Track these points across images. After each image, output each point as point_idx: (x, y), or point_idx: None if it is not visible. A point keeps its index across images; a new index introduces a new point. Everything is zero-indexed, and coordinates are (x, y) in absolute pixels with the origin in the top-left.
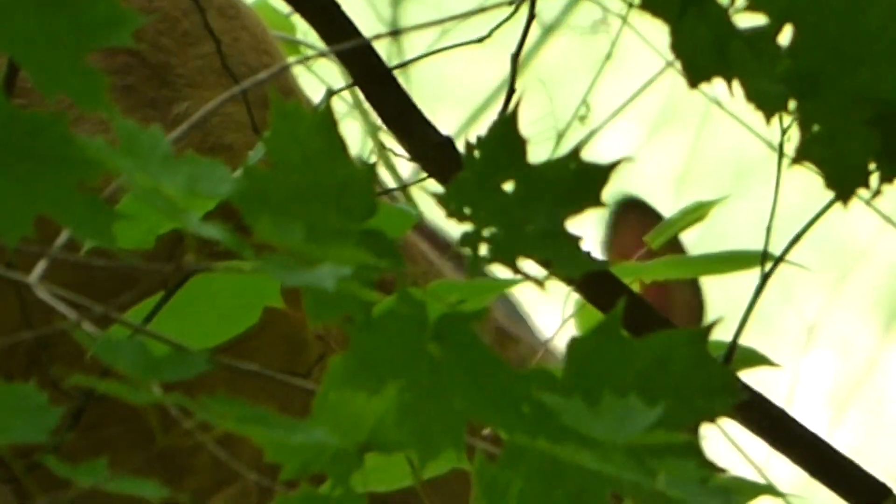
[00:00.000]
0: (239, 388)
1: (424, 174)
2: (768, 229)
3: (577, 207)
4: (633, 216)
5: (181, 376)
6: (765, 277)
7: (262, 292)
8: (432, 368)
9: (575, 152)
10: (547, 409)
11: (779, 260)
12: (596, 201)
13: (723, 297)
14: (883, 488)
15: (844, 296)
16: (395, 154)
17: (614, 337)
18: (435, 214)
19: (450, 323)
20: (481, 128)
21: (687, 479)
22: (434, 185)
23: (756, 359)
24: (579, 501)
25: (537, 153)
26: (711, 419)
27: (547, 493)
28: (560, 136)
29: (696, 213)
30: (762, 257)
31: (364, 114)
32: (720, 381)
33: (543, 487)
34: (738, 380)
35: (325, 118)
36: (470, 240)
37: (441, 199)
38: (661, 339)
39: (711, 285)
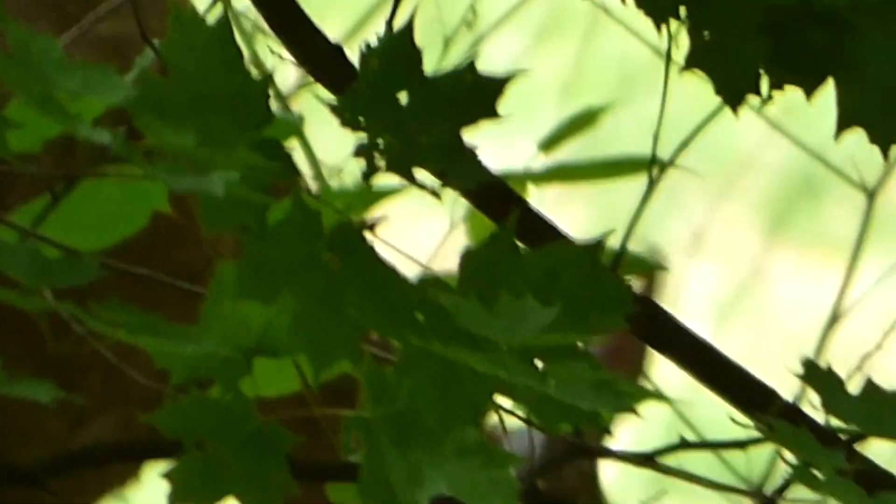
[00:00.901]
0: (133, 298)
1: (311, 80)
2: (655, 136)
3: (472, 119)
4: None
5: (74, 282)
6: (652, 184)
7: (149, 197)
8: (326, 278)
9: (470, 65)
10: (441, 315)
11: (666, 166)
12: (491, 113)
13: (610, 204)
14: (770, 393)
15: (731, 202)
16: (282, 58)
17: (507, 249)
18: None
19: (344, 232)
20: (369, 34)
21: (578, 383)
22: (323, 93)
23: (644, 264)
24: (469, 408)
25: (425, 59)
26: (605, 332)
27: (438, 400)
28: (447, 43)
29: (584, 120)
30: (649, 163)
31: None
32: (614, 293)
33: (435, 394)
34: (632, 292)
35: (222, 27)
36: (364, 150)
37: (335, 109)
38: (554, 252)
39: (599, 192)
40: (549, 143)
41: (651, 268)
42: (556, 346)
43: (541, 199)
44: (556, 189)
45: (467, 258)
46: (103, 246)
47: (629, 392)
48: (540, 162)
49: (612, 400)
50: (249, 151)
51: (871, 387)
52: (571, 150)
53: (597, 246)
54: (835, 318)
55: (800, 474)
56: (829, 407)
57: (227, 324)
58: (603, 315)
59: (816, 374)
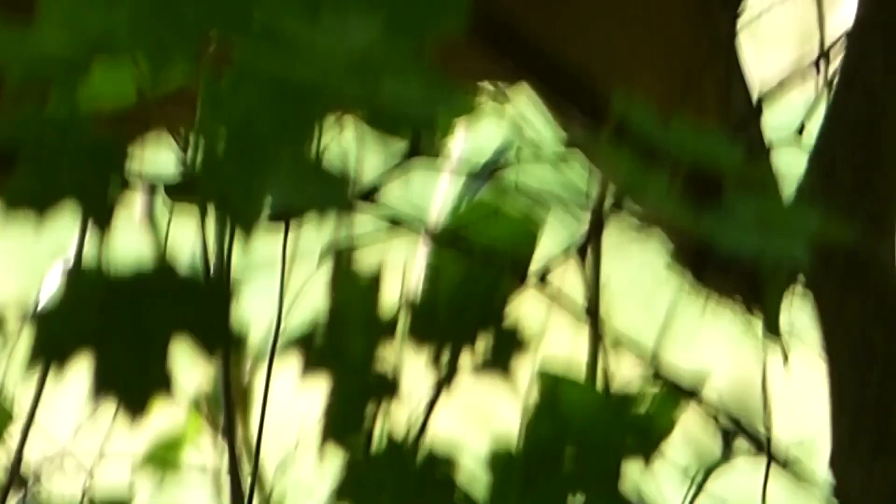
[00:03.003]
0: None
1: None
2: None
3: None
4: None
5: None
6: None
7: None
8: None
9: None
10: (276, 31)
11: None
12: None
13: None
14: (605, 103)
15: None
16: None
17: None
18: None
19: None
20: None
21: (411, 91)
22: None
23: None
24: (305, 117)
25: None
26: (444, 37)
27: (273, 108)
28: None
29: None
30: None
31: None
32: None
33: (270, 102)
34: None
35: None
36: None
37: None
38: None
39: None
40: None
41: None
42: (390, 55)
43: None
44: None
45: None
46: None
47: (465, 97)
48: None
49: (445, 105)
50: None
51: None
52: None
53: None
54: None
55: (628, 189)
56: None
57: (65, 22)
58: (439, 20)
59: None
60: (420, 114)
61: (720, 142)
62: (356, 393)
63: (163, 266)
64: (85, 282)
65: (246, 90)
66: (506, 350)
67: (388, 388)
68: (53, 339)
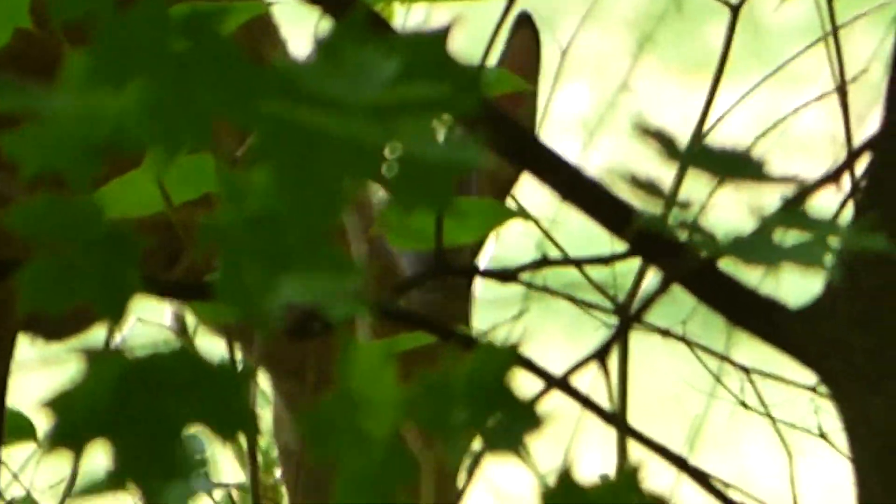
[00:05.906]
0: None
1: None
2: None
3: None
4: (525, 32)
5: None
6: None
7: (10, 12)
8: (177, 64)
9: None
10: (292, 91)
11: None
12: None
13: (477, 23)
14: (629, 210)
15: (599, 19)
16: None
17: (358, 36)
18: None
19: (195, 20)
20: None
21: (429, 137)
22: None
23: (508, 81)
24: (326, 196)
25: None
26: (458, 113)
27: (294, 189)
28: None
29: None
30: None
31: None
32: (463, 80)
33: (291, 181)
34: (480, 80)
35: None
36: None
37: None
38: (401, 42)
39: (469, 11)
40: None
41: (517, 86)
42: (407, 106)
43: (408, 22)
44: (423, 9)
45: (321, 46)
46: None
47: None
48: None
49: (465, 151)
50: None
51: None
52: None
53: (444, 35)
54: (699, 134)
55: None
56: (668, 159)
57: (78, 115)
58: (454, 97)
59: (649, 132)
60: (440, 159)
61: None
62: (374, 475)
63: (181, 351)
64: (102, 366)
65: (265, 167)
66: (519, 428)
67: (408, 469)
68: (71, 423)
